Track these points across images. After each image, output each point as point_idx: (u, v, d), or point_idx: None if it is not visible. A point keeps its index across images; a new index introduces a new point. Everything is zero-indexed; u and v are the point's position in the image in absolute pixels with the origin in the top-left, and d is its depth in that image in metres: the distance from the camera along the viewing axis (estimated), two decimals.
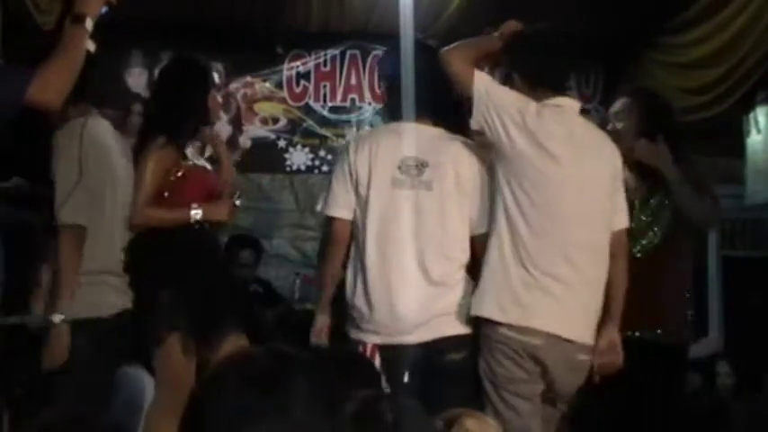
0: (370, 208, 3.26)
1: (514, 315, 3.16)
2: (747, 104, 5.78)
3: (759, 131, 5.96)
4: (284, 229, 6.60)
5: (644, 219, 3.83)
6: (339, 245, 3.34)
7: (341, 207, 3.32)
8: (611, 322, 3.32)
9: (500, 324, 3.18)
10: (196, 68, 3.97)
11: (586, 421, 3.59)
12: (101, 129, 3.52)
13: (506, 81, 3.43)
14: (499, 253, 3.21)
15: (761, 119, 5.92)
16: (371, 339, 3.23)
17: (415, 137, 3.30)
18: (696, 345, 5.86)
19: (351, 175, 3.30)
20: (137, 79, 6.34)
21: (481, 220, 3.29)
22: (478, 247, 3.29)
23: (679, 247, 3.82)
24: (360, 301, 3.27)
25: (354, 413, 1.67)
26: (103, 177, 3.44)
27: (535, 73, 3.34)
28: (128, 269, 3.59)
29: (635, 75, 6.10)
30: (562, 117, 3.29)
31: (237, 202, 3.86)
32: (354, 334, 3.29)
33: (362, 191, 3.28)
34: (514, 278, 3.18)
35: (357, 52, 6.59)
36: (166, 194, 3.66)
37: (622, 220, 3.41)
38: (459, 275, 3.28)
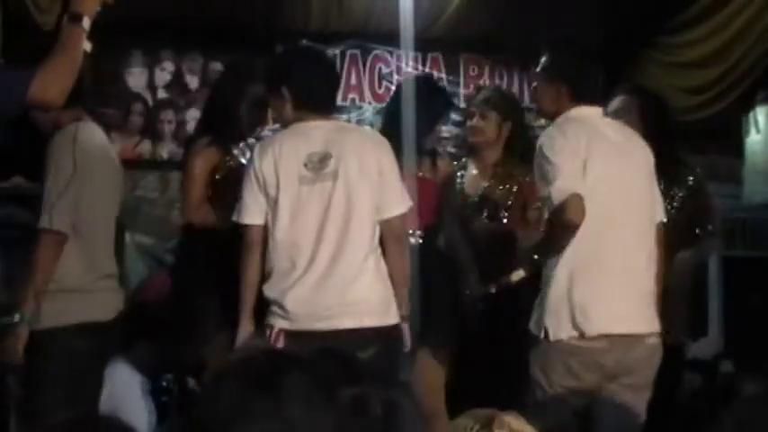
0: (280, 208, 3.31)
1: (587, 328, 3.23)
2: (747, 104, 5.78)
3: (758, 131, 5.96)
4: None
5: None
6: (254, 251, 3.38)
7: (252, 213, 3.37)
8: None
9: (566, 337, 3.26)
10: (237, 72, 4.05)
11: (584, 422, 3.60)
12: (93, 134, 3.53)
13: (546, 87, 3.45)
14: (559, 267, 3.27)
15: (760, 119, 5.92)
16: (280, 324, 3.31)
17: (316, 132, 3.38)
18: (696, 345, 5.87)
19: (258, 179, 3.35)
20: (137, 79, 6.33)
21: (386, 205, 3.38)
22: (386, 231, 3.38)
23: (677, 248, 3.83)
24: (273, 293, 3.34)
25: (344, 409, 1.68)
26: (99, 182, 3.47)
27: (585, 92, 3.45)
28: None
29: (634, 74, 6.10)
30: (586, 125, 3.38)
31: None
32: (268, 320, 3.36)
33: (272, 193, 3.33)
34: (574, 292, 3.24)
35: (357, 52, 6.58)
36: (209, 194, 3.78)
37: (661, 213, 3.50)
38: (370, 263, 3.34)
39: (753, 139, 5.98)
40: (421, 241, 3.90)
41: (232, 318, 3.60)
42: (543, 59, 3.57)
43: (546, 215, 3.41)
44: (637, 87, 4.23)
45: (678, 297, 3.84)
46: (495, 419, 2.02)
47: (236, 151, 3.88)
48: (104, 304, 3.48)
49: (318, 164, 3.32)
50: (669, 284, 3.74)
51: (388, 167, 3.42)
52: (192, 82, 6.34)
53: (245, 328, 3.41)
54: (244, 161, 3.86)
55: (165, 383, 4.80)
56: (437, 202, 4.10)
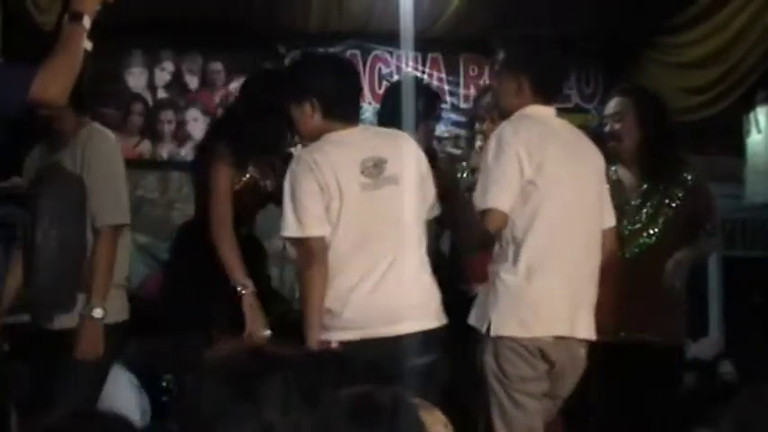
0: (345, 218, 3.21)
1: (534, 327, 3.20)
2: (747, 104, 5.78)
3: (759, 131, 5.96)
4: None
5: (640, 219, 3.83)
6: (322, 264, 3.20)
7: (318, 226, 3.22)
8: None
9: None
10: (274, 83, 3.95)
11: (583, 422, 3.60)
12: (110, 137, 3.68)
13: (506, 82, 3.44)
14: (509, 267, 3.24)
15: (761, 118, 5.92)
16: (337, 337, 3.18)
17: (357, 139, 3.32)
18: (696, 345, 5.88)
19: (322, 191, 3.21)
20: (137, 79, 6.33)
21: (432, 206, 3.37)
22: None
23: (676, 248, 3.82)
24: (335, 304, 3.20)
25: (351, 407, 1.67)
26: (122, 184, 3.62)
27: (547, 85, 3.41)
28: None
29: (634, 74, 6.10)
30: (541, 125, 3.35)
31: None
32: (324, 336, 3.20)
33: (335, 204, 3.21)
34: (528, 290, 3.21)
35: (357, 52, 6.58)
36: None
37: (611, 219, 3.48)
38: (426, 264, 3.33)
39: (754, 139, 5.98)
40: None
41: (235, 318, 3.62)
42: (502, 54, 3.54)
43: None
44: (633, 88, 4.20)
45: (676, 297, 3.82)
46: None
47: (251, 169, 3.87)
48: (124, 306, 3.65)
49: (374, 169, 3.25)
50: (666, 284, 3.74)
51: (427, 169, 3.39)
52: (192, 82, 6.34)
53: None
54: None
55: (164, 383, 4.80)
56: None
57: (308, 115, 3.31)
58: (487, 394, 3.26)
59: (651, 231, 3.83)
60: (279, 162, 4.03)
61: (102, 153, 3.52)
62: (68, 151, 3.52)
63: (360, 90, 3.62)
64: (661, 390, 3.73)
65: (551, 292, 3.23)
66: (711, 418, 1.65)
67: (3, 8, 4.56)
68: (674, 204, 3.86)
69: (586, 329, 3.30)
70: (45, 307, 3.53)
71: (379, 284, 3.20)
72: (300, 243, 3.24)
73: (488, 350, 3.24)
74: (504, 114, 3.45)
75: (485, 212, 3.21)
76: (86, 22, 2.74)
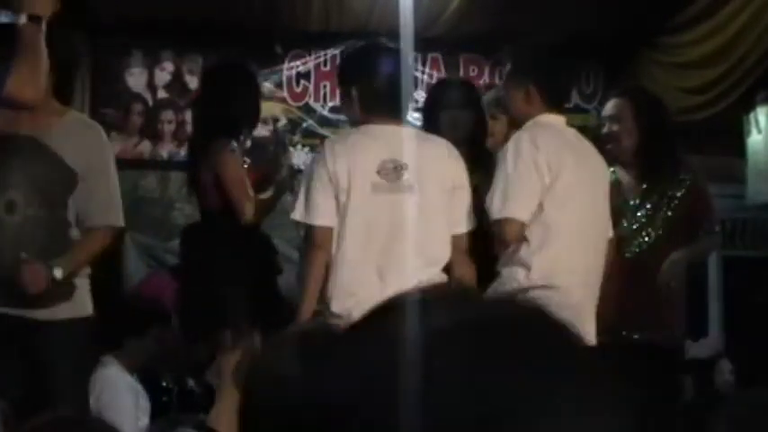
0: (350, 215, 3.20)
1: None
2: (747, 104, 5.77)
3: (759, 131, 5.96)
4: (284, 228, 6.59)
5: (639, 219, 3.83)
6: (323, 251, 3.24)
7: (323, 215, 3.24)
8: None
9: None
10: (246, 72, 4.09)
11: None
12: None
13: (515, 90, 3.45)
14: (524, 272, 3.25)
15: (761, 118, 5.92)
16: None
17: (392, 139, 3.27)
18: (696, 345, 5.87)
19: (331, 181, 3.22)
20: (137, 79, 6.33)
21: (460, 219, 3.31)
22: (455, 246, 3.31)
23: (676, 248, 3.83)
24: (338, 307, 3.21)
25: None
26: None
27: (555, 91, 3.42)
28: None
29: (635, 75, 6.10)
30: (557, 133, 3.38)
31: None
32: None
33: (342, 197, 3.21)
34: (542, 295, 3.20)
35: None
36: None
37: (610, 228, 3.51)
38: (442, 277, 3.26)
39: (754, 139, 5.98)
40: None
41: (240, 318, 3.63)
42: (509, 64, 3.55)
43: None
44: (631, 89, 4.19)
45: (675, 297, 3.83)
46: None
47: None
48: (90, 299, 3.42)
49: (392, 172, 3.22)
50: (660, 283, 3.74)
51: (461, 182, 3.33)
52: (192, 82, 6.33)
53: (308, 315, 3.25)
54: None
55: (164, 383, 4.80)
56: None
57: (351, 105, 3.37)
58: None
59: (650, 231, 3.83)
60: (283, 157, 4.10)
61: (105, 152, 3.36)
62: (53, 133, 3.22)
63: (399, 86, 3.38)
64: (660, 390, 3.73)
65: (565, 298, 3.23)
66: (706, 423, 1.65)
67: None
68: (672, 204, 3.86)
69: (590, 333, 3.31)
70: (35, 296, 3.20)
71: (374, 291, 3.14)
72: (306, 228, 3.31)
73: None
74: (516, 123, 3.46)
75: (503, 221, 3.22)
76: (43, 24, 2.79)
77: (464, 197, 3.33)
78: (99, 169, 3.30)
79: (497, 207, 3.23)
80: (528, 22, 5.79)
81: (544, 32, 5.99)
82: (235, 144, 3.74)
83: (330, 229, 3.23)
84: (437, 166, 3.27)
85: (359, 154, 3.24)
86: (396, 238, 3.20)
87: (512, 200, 3.21)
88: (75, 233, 3.29)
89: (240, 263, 3.73)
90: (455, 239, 3.32)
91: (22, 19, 2.76)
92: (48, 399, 3.12)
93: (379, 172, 3.22)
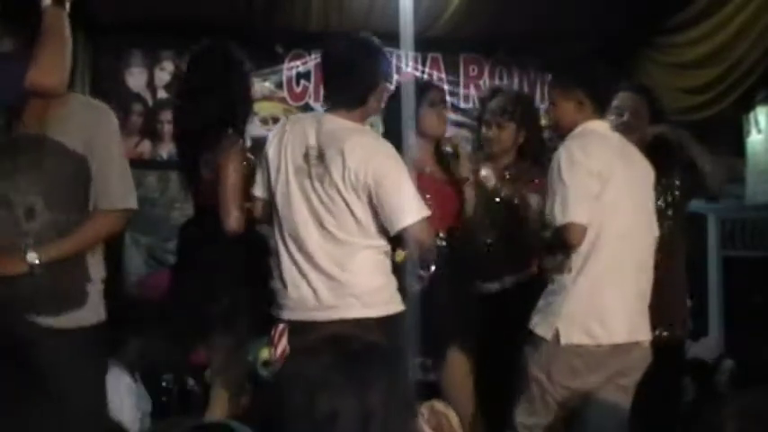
0: (276, 193, 3.35)
1: (601, 336, 3.30)
2: (747, 104, 5.78)
3: (759, 131, 5.96)
4: None
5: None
6: (260, 222, 3.54)
7: (258, 187, 3.46)
8: None
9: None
10: (237, 62, 3.96)
11: (584, 421, 3.60)
12: None
13: (565, 100, 3.47)
14: (575, 278, 3.32)
15: (761, 118, 5.92)
16: (286, 315, 3.30)
17: (324, 126, 3.31)
18: (696, 345, 5.88)
19: (265, 159, 3.39)
20: (137, 79, 6.34)
21: (397, 218, 3.24)
22: (410, 239, 3.30)
23: (677, 246, 3.84)
24: (277, 283, 3.37)
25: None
26: None
27: (600, 98, 3.46)
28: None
29: (634, 74, 6.10)
30: (604, 140, 3.43)
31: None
32: (274, 312, 3.38)
33: (273, 175, 3.36)
34: (595, 300, 3.30)
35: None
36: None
37: (656, 229, 3.56)
38: (359, 258, 3.28)
39: (754, 139, 5.98)
40: (445, 243, 3.84)
41: (236, 319, 3.62)
42: (554, 72, 3.60)
43: (547, 230, 3.42)
44: (637, 84, 4.23)
45: (679, 294, 3.86)
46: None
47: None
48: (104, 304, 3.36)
49: (315, 159, 3.28)
50: (666, 283, 3.75)
51: (389, 181, 3.28)
52: None
53: None
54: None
55: (164, 383, 4.80)
56: (459, 205, 4.03)
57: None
58: (523, 391, 3.38)
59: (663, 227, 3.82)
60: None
61: (110, 131, 3.09)
62: (60, 124, 3.00)
63: (341, 73, 3.36)
64: (661, 387, 3.74)
65: (616, 303, 3.32)
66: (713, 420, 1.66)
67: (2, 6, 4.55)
68: (674, 192, 3.90)
69: (646, 332, 3.42)
70: (47, 302, 3.02)
71: (303, 271, 3.30)
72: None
73: (544, 355, 3.33)
74: (563, 132, 3.49)
75: (566, 227, 3.28)
76: (67, 5, 2.65)
77: (390, 194, 3.24)
78: (103, 147, 3.05)
79: (558, 214, 3.29)
80: (527, 22, 5.80)
81: (543, 32, 6.01)
82: (241, 141, 3.69)
83: (263, 202, 3.45)
84: (358, 163, 3.23)
85: (293, 136, 3.35)
86: (308, 220, 3.29)
87: (572, 205, 3.27)
88: None
89: (234, 263, 3.71)
90: (403, 233, 3.28)
91: (46, 1, 2.64)
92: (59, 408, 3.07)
93: (305, 155, 3.29)
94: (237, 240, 3.66)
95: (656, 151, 3.81)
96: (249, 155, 3.72)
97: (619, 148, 3.47)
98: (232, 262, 3.69)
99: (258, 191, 3.47)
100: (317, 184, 3.27)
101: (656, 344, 3.70)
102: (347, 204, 3.24)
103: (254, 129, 6.55)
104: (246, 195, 3.57)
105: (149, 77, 6.35)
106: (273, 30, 6.22)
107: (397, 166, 3.29)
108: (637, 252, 3.41)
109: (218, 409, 3.68)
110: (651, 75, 6.04)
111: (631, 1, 5.66)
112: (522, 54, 6.52)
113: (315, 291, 3.28)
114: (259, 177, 3.46)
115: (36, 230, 2.99)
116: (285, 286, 3.33)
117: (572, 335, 3.29)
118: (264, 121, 6.57)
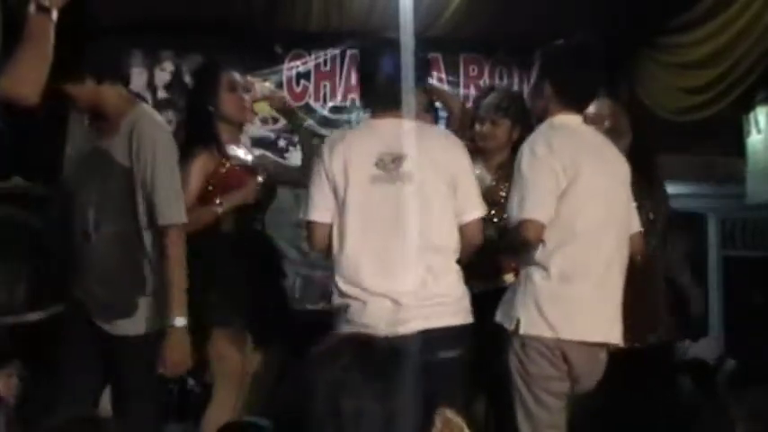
0: (348, 207, 3.23)
1: (562, 330, 3.26)
2: (747, 104, 5.77)
3: (759, 131, 5.96)
4: (284, 229, 6.59)
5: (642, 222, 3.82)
6: (314, 247, 3.36)
7: (319, 210, 3.28)
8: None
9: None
10: (206, 73, 4.00)
11: (584, 425, 3.60)
12: None
13: (538, 90, 3.47)
14: (542, 272, 3.29)
15: (761, 118, 5.92)
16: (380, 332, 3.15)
17: (389, 131, 3.28)
18: (696, 345, 5.88)
19: (327, 178, 3.26)
20: (137, 79, 6.33)
21: (466, 207, 3.29)
22: (465, 235, 3.30)
23: (666, 245, 3.85)
24: (346, 299, 3.23)
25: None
26: None
27: (573, 92, 3.42)
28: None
29: (635, 75, 6.10)
30: (572, 134, 3.38)
31: (260, 179, 3.86)
32: (347, 329, 3.21)
33: (340, 192, 3.25)
34: (560, 295, 3.26)
35: (357, 52, 6.58)
36: (210, 188, 3.72)
37: (636, 223, 3.53)
38: (451, 264, 3.28)
39: (754, 139, 5.98)
40: None
41: (232, 315, 3.62)
42: (537, 62, 3.56)
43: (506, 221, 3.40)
44: (615, 90, 4.23)
45: (677, 295, 3.85)
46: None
47: (240, 152, 3.87)
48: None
49: (391, 164, 3.23)
50: (659, 285, 3.75)
51: (464, 169, 3.33)
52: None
53: None
54: (247, 158, 3.86)
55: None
56: None
57: (361, 98, 3.50)
58: (512, 392, 3.33)
59: (651, 235, 3.83)
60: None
61: (158, 142, 3.26)
62: (119, 137, 3.27)
63: (400, 80, 3.34)
64: (654, 389, 3.73)
65: (582, 299, 3.29)
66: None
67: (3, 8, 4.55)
68: (661, 207, 3.89)
69: (614, 334, 3.36)
70: (103, 309, 3.28)
71: (389, 281, 3.18)
72: (307, 225, 3.32)
73: (514, 349, 3.29)
74: (538, 120, 3.48)
75: (522, 223, 3.24)
76: (54, 15, 2.60)
77: (466, 184, 3.31)
78: (157, 165, 3.23)
79: (516, 210, 3.26)
80: (527, 21, 5.79)
81: (543, 32, 6.01)
82: (210, 150, 3.72)
83: (323, 225, 3.26)
84: (436, 156, 3.26)
85: (354, 147, 3.27)
86: (395, 228, 3.20)
87: (529, 201, 3.23)
88: (148, 240, 3.28)
89: (227, 264, 3.71)
90: (462, 228, 3.30)
91: (31, 9, 2.62)
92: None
93: (377, 164, 3.23)
94: (230, 241, 3.68)
95: (643, 164, 3.81)
96: (224, 161, 3.75)
97: (589, 142, 3.41)
98: (225, 263, 3.70)
99: (315, 215, 3.29)
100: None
101: (646, 350, 3.71)
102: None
103: (254, 129, 6.57)
104: (212, 198, 3.65)
105: (149, 77, 6.34)
106: (273, 30, 6.22)
107: None
108: (607, 248, 3.35)
109: (220, 411, 3.69)
110: (653, 75, 6.04)
111: (633, 1, 5.66)
112: (522, 54, 6.52)
113: None
114: (318, 201, 3.29)
115: (92, 246, 3.23)
116: None
117: (532, 326, 3.25)
118: (264, 121, 6.58)
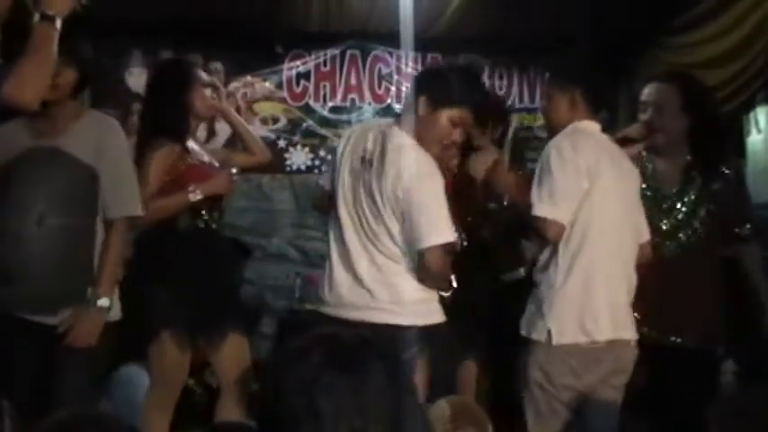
0: (336, 193, 3.44)
1: (595, 332, 3.31)
2: (747, 104, 5.77)
3: (759, 131, 5.96)
4: (284, 229, 6.60)
5: (678, 215, 3.76)
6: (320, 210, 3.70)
7: (324, 179, 3.62)
8: None
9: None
10: (178, 68, 4.09)
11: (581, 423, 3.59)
12: None
13: (558, 97, 3.47)
14: (564, 277, 3.32)
15: (761, 118, 5.92)
16: (324, 311, 3.41)
17: (379, 134, 3.40)
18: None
19: (334, 162, 3.53)
20: (137, 79, 6.33)
21: (414, 233, 3.27)
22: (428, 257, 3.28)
23: (716, 246, 3.78)
24: (325, 279, 3.46)
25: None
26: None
27: (597, 99, 3.49)
28: (131, 267, 3.65)
29: (641, 75, 6.08)
30: (594, 139, 3.44)
31: (234, 171, 3.94)
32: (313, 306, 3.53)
33: (336, 176, 3.46)
34: (586, 298, 3.31)
35: (357, 52, 6.58)
36: (169, 180, 3.77)
37: (646, 232, 3.56)
38: (396, 270, 3.32)
39: (754, 139, 5.98)
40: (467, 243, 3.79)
41: (177, 315, 3.64)
42: (553, 70, 3.60)
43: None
44: (676, 74, 4.02)
45: (713, 298, 3.77)
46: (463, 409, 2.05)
47: (197, 149, 3.92)
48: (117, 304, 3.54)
49: (369, 164, 3.37)
50: (703, 285, 3.70)
51: (410, 164, 3.36)
52: None
53: None
54: (204, 159, 3.91)
55: None
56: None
57: None
58: (527, 398, 3.38)
59: (690, 229, 3.74)
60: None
61: (116, 143, 3.44)
62: (72, 137, 3.37)
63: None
64: (695, 394, 3.58)
65: (608, 300, 3.33)
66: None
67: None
68: (713, 198, 3.76)
69: (633, 331, 3.43)
70: (47, 301, 3.35)
71: (344, 270, 3.39)
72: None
73: (541, 358, 3.33)
74: (554, 129, 3.49)
75: (549, 222, 3.29)
76: (58, 23, 2.70)
77: (407, 180, 3.29)
78: (112, 159, 3.40)
79: (545, 206, 3.29)
80: (528, 22, 5.80)
81: (544, 32, 6.01)
82: (162, 140, 3.78)
83: (322, 188, 3.61)
84: (396, 169, 3.30)
85: (353, 139, 3.48)
86: (358, 223, 3.37)
87: (560, 202, 3.28)
88: (101, 231, 3.40)
89: (180, 262, 3.74)
90: (421, 253, 3.29)
91: (35, 17, 2.71)
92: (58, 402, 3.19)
93: (361, 159, 3.39)
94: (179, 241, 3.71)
95: (707, 151, 3.75)
96: (194, 159, 3.84)
97: (608, 148, 3.48)
98: (172, 261, 3.72)
99: (323, 181, 3.66)
100: None
101: (690, 350, 3.67)
102: None
103: (254, 129, 6.56)
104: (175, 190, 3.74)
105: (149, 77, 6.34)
106: (273, 30, 6.22)
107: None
108: (624, 251, 3.42)
109: (157, 409, 3.73)
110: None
111: (638, 1, 5.65)
112: (522, 54, 6.52)
113: None
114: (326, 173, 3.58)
115: (44, 235, 3.28)
116: None
117: (565, 334, 3.29)
118: (264, 121, 6.58)
